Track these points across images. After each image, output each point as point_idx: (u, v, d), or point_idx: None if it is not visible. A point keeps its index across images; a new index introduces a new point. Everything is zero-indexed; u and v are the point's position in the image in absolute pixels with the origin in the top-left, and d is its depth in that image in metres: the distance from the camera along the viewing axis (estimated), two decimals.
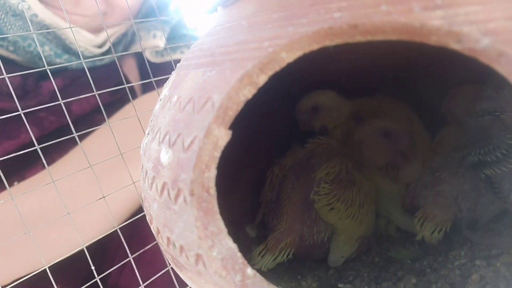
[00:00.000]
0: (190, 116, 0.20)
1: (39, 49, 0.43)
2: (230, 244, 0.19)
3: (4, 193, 0.48)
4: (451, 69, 0.37)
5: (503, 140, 0.29)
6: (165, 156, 0.20)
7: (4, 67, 0.39)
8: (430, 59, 0.36)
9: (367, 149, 0.36)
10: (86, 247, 0.45)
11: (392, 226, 0.37)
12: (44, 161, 0.39)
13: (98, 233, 0.55)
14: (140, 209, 0.55)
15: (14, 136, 0.54)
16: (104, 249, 0.56)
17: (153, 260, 0.53)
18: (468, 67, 0.37)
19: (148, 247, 0.42)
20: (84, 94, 0.54)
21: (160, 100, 0.24)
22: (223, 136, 0.19)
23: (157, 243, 0.46)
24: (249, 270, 0.19)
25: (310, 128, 0.40)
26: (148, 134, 0.24)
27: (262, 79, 0.19)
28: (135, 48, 0.64)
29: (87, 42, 0.55)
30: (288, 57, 0.18)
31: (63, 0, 0.53)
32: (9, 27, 0.52)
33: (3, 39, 0.52)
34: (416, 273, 0.29)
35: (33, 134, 0.52)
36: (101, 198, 0.36)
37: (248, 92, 0.19)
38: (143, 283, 0.45)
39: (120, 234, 0.42)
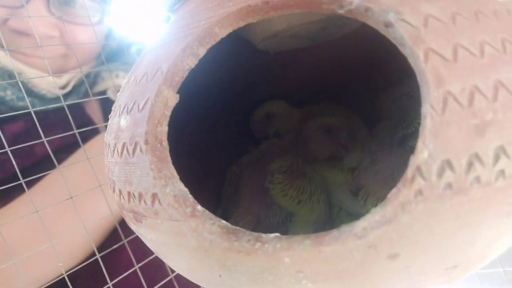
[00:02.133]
0: (144, 86, 0.24)
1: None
2: (182, 187, 0.22)
3: None
4: (380, 74, 0.44)
5: (417, 113, 0.35)
6: (124, 121, 0.24)
7: None
8: (364, 66, 0.42)
9: (313, 143, 0.40)
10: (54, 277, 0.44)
11: (343, 212, 0.41)
12: (26, 188, 0.40)
13: (72, 261, 0.55)
14: (113, 236, 0.56)
15: None
16: (75, 276, 0.56)
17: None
18: (392, 70, 0.43)
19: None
20: (48, 135, 0.56)
21: (121, 88, 0.28)
22: (172, 98, 0.23)
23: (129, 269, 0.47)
24: (199, 207, 0.22)
25: (264, 135, 0.45)
26: (110, 116, 0.28)
27: (202, 51, 0.23)
28: (98, 88, 0.67)
29: (49, 84, 0.58)
30: (221, 32, 0.23)
31: (24, 44, 0.56)
32: None
33: None
34: None
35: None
36: (69, 199, 0.38)
37: (191, 62, 0.23)
38: None
39: (100, 261, 0.43)
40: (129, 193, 0.24)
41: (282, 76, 0.45)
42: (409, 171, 0.17)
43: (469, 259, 0.22)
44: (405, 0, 0.20)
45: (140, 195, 0.23)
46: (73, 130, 0.59)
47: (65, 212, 0.46)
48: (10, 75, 0.56)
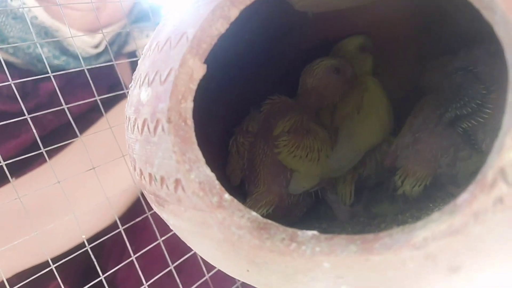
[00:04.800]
0: (167, 54, 0.21)
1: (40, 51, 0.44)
2: (208, 172, 0.20)
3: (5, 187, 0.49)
4: (431, 41, 0.39)
5: (477, 91, 0.30)
6: (144, 94, 0.21)
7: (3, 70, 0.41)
8: (413, 31, 0.37)
9: (324, 88, 0.36)
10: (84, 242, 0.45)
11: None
12: (47, 158, 0.40)
13: (97, 226, 0.55)
14: (137, 203, 0.56)
15: (15, 136, 0.55)
16: (101, 243, 0.57)
17: (150, 252, 0.54)
18: (446, 38, 0.38)
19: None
20: (80, 93, 0.56)
21: (142, 54, 0.25)
22: (198, 69, 0.20)
23: (155, 237, 0.46)
24: (227, 196, 0.19)
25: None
26: (130, 86, 0.25)
27: (234, 13, 0.20)
28: (129, 48, 0.65)
29: (83, 43, 0.58)
30: None
31: None
32: (9, 29, 0.53)
33: (3, 41, 0.53)
34: (398, 223, 0.29)
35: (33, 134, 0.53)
36: (91, 169, 0.37)
37: (221, 26, 0.20)
38: (141, 276, 0.45)
39: (121, 228, 0.42)
40: (150, 175, 0.21)
41: (318, 39, 0.40)
42: (490, 174, 0.14)
43: None
44: None
45: (162, 179, 0.20)
46: (104, 89, 0.58)
47: (89, 179, 0.45)
48: (46, 32, 0.55)
